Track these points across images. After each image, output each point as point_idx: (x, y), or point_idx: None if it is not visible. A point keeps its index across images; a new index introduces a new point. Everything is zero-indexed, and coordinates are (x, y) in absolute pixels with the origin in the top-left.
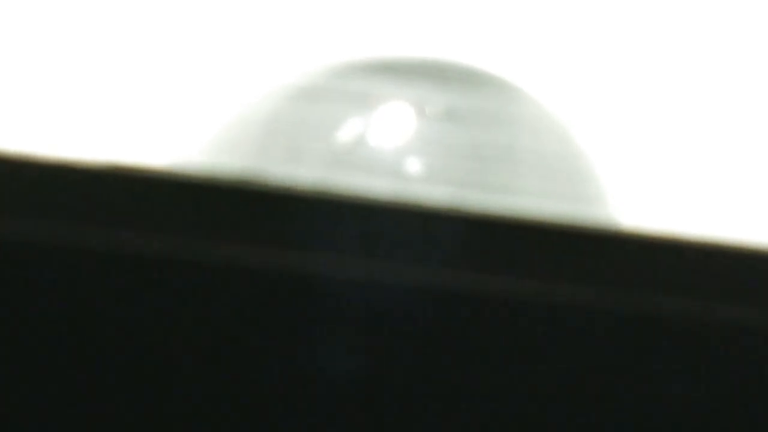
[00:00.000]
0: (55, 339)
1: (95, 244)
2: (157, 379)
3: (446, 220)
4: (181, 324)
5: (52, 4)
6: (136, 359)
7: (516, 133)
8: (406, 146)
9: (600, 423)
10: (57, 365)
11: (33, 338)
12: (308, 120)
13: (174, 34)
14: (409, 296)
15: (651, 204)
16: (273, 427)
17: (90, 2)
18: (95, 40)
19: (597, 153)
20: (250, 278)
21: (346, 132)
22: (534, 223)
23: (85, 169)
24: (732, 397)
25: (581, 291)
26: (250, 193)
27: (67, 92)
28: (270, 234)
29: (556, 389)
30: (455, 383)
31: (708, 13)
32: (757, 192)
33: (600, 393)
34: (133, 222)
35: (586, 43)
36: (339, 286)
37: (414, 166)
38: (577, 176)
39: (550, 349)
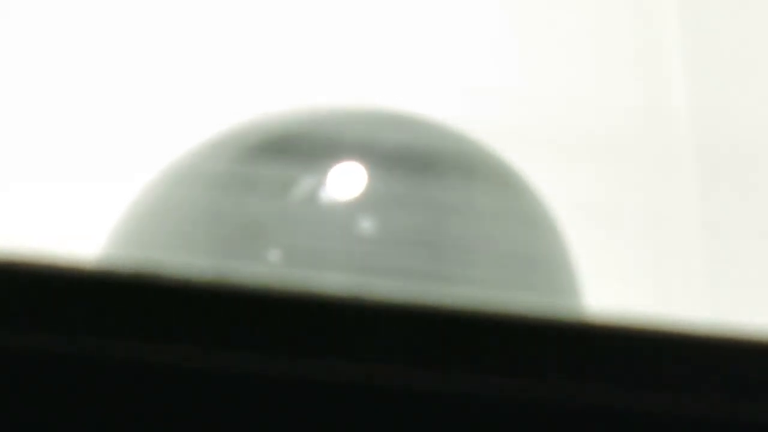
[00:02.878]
0: None
1: None
2: None
3: (368, 312)
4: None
5: None
6: None
7: (471, 219)
8: (327, 233)
9: None
10: None
11: None
12: (214, 206)
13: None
14: (336, 395)
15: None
16: None
17: None
18: None
19: (574, 239)
20: (144, 376)
21: (258, 215)
22: (489, 314)
23: None
24: None
25: (542, 384)
26: (143, 286)
27: None
28: (165, 329)
29: None
30: None
31: None
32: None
33: None
34: (17, 319)
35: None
36: (247, 385)
37: (332, 254)
38: (543, 266)
39: None
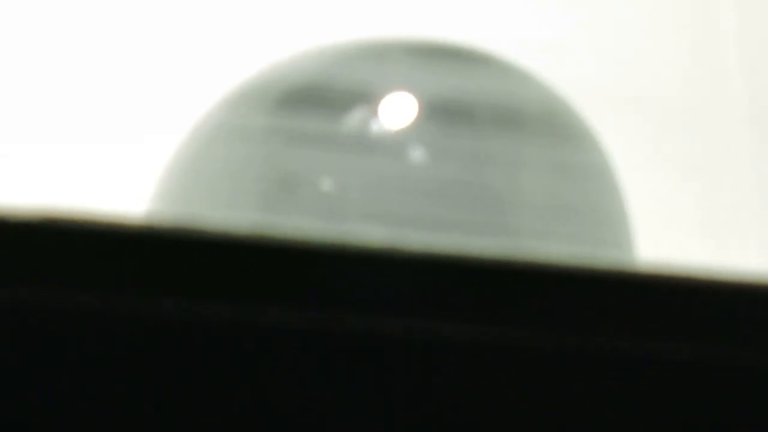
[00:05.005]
0: None
1: (27, 301)
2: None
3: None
4: (107, 381)
5: None
6: (51, 418)
7: (522, 169)
8: (368, 184)
9: None
10: None
11: None
12: (244, 159)
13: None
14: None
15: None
16: None
17: None
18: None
19: (631, 192)
20: (185, 331)
21: (297, 167)
22: (537, 266)
23: (14, 220)
24: None
25: (595, 336)
26: (188, 241)
27: None
28: (209, 284)
29: None
30: None
31: None
32: None
33: None
34: (66, 277)
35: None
36: (285, 338)
37: (373, 206)
38: (594, 217)
39: (559, 399)
